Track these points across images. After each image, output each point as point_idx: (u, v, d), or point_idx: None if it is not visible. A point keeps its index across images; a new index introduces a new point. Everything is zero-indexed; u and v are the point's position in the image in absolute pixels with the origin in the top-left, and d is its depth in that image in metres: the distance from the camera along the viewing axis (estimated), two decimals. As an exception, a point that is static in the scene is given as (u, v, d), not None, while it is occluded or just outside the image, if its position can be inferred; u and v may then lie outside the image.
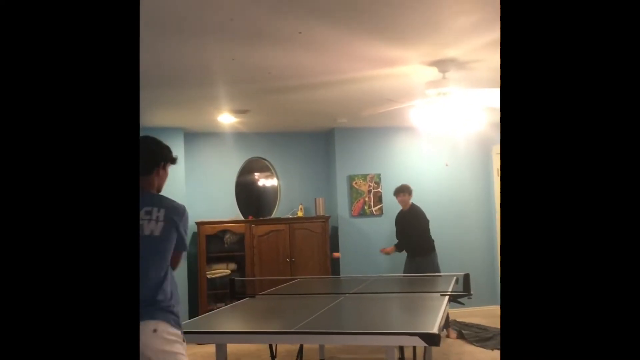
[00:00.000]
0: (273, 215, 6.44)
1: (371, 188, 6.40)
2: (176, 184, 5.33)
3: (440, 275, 5.06)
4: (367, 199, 6.38)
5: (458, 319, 5.81)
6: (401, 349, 3.35)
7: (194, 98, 4.57)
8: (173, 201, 2.29)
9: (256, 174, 6.69)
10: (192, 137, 6.13)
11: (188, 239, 2.34)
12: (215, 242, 5.96)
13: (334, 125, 6.21)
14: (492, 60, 3.64)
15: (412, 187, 5.67)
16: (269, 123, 5.95)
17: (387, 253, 5.73)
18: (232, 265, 6.01)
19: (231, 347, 3.49)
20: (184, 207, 2.30)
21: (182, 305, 2.29)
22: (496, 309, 6.49)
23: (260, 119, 5.61)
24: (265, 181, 6.70)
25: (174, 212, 2.23)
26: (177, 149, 5.10)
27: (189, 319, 3.36)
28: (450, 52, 3.48)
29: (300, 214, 6.36)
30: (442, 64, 3.66)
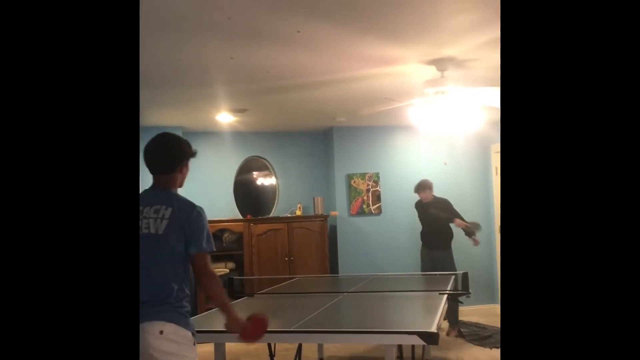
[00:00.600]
0: (272, 214, 6.44)
1: (370, 187, 6.40)
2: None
3: (438, 274, 5.07)
4: (365, 197, 6.38)
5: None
6: (400, 347, 3.35)
7: (193, 97, 4.57)
8: (184, 200, 2.23)
9: (255, 173, 6.69)
10: (190, 136, 6.07)
11: (205, 239, 2.24)
12: (213, 241, 5.94)
13: (333, 124, 6.21)
14: (490, 59, 3.64)
15: (431, 181, 5.64)
16: (267, 122, 5.95)
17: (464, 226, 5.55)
18: (231, 264, 6.01)
19: (230, 346, 3.48)
20: (193, 205, 2.22)
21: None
22: (494, 308, 6.50)
23: (258, 118, 5.61)
24: (263, 180, 6.70)
25: (181, 211, 2.16)
26: (176, 148, 5.11)
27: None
28: (449, 51, 3.47)
29: (298, 212, 6.36)
30: (440, 63, 3.65)
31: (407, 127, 5.79)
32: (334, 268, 6.26)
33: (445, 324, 5.62)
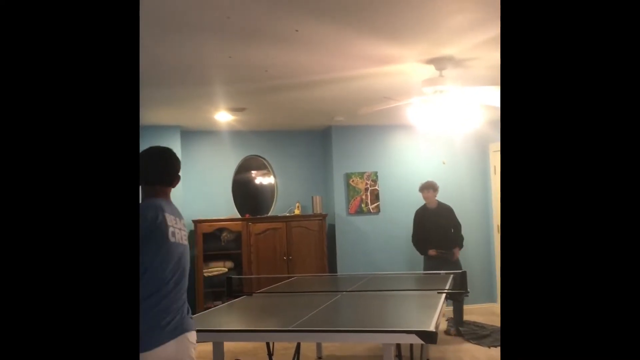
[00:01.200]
0: (270, 214, 6.44)
1: (368, 186, 6.40)
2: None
3: (437, 273, 5.07)
4: (364, 196, 6.38)
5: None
6: (398, 346, 3.36)
7: (191, 96, 4.57)
8: None
9: (253, 172, 6.69)
10: (189, 135, 6.12)
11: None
12: (212, 240, 5.96)
13: (331, 123, 6.21)
14: (489, 58, 3.64)
15: (437, 184, 5.62)
16: (266, 121, 5.95)
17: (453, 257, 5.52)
18: (229, 264, 6.01)
19: (228, 345, 3.48)
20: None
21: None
22: (493, 307, 6.50)
23: (257, 117, 5.60)
24: (262, 179, 6.70)
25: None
26: (174, 147, 5.10)
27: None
28: (447, 50, 3.48)
29: (297, 212, 6.36)
30: (439, 62, 3.66)
31: (406, 126, 5.80)
32: (332, 267, 6.27)
33: (445, 324, 5.64)
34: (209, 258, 5.91)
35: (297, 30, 2.99)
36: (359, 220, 6.38)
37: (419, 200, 5.75)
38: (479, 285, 6.31)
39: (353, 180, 6.37)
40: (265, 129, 6.41)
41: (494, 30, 3.08)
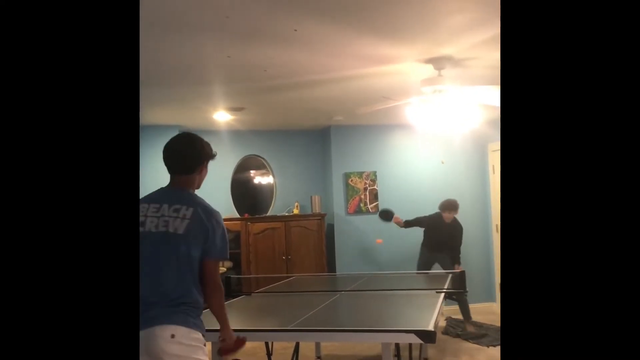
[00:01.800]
0: (269, 213, 6.44)
1: (367, 185, 6.41)
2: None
3: (436, 272, 5.08)
4: (363, 196, 6.38)
5: (453, 316, 5.82)
6: (397, 346, 3.36)
7: (190, 96, 4.56)
8: (206, 203, 2.19)
9: (252, 172, 6.69)
10: (187, 134, 6.11)
11: (224, 246, 2.16)
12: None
13: (330, 122, 6.21)
14: (488, 58, 3.64)
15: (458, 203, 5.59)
16: (264, 121, 5.95)
17: (398, 223, 5.57)
18: (228, 263, 6.00)
19: (227, 345, 3.48)
20: (214, 210, 2.18)
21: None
22: (492, 306, 6.51)
23: (256, 116, 5.60)
24: (261, 179, 6.70)
25: (206, 213, 2.12)
26: (173, 146, 5.11)
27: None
28: (446, 50, 3.48)
29: (296, 211, 6.36)
30: (437, 62, 3.66)
31: (405, 125, 5.80)
32: (331, 267, 6.27)
33: (444, 323, 5.64)
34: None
35: (296, 30, 2.99)
36: (358, 219, 6.38)
37: (418, 200, 5.75)
38: (477, 285, 6.31)
39: (352, 180, 6.37)
40: (264, 129, 6.41)
41: (493, 30, 3.08)
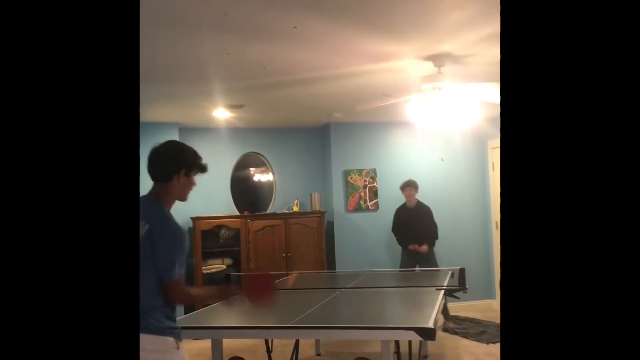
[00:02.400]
0: (269, 211, 6.44)
1: (367, 183, 6.40)
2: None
3: (435, 270, 5.08)
4: (362, 193, 6.38)
5: (453, 313, 5.83)
6: (397, 343, 3.36)
7: (189, 93, 4.56)
8: (163, 218, 2.03)
9: (252, 169, 6.68)
10: (187, 132, 6.10)
11: (170, 267, 1.97)
12: (210, 237, 5.96)
13: (330, 120, 6.20)
14: (487, 55, 3.64)
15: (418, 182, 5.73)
16: (264, 118, 5.94)
17: (422, 251, 5.55)
18: (228, 261, 6.01)
19: (227, 342, 3.49)
20: (169, 226, 2.01)
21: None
22: (491, 303, 6.51)
23: (255, 114, 5.60)
24: (260, 176, 6.70)
25: (155, 229, 1.98)
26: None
27: (185, 314, 3.36)
28: (446, 47, 3.47)
29: (295, 209, 6.36)
30: (437, 59, 3.65)
31: (404, 123, 5.80)
32: (331, 264, 6.27)
33: (442, 320, 5.65)
34: (208, 255, 5.91)
35: (295, 27, 2.99)
36: (358, 217, 6.38)
37: (417, 197, 5.75)
38: (477, 282, 6.31)
39: (351, 177, 6.37)
40: (264, 126, 6.40)
41: (493, 27, 3.07)
